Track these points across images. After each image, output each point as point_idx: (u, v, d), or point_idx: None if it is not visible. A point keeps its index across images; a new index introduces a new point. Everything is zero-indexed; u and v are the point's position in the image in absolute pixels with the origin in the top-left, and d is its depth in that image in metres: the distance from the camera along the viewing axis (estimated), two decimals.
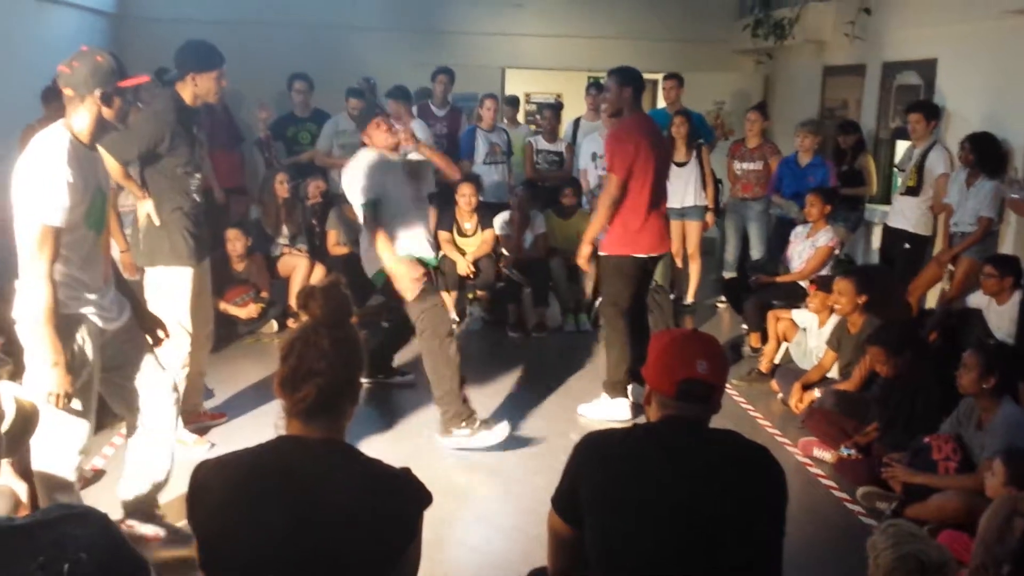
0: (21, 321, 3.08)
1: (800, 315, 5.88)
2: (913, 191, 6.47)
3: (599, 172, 7.59)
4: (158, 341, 3.55)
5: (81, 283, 3.14)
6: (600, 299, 5.82)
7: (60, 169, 2.94)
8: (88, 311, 3.17)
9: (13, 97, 6.79)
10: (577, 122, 8.29)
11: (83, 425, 3.21)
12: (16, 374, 3.70)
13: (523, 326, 6.96)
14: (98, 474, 4.20)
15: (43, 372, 3.01)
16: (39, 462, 3.18)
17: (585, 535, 2.09)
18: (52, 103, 6.47)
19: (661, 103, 8.64)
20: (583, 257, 5.28)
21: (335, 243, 7.07)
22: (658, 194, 5.11)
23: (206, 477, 1.93)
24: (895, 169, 7.41)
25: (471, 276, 6.94)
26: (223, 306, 6.31)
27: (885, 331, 4.72)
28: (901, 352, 4.53)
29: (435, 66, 7.99)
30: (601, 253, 5.24)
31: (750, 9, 9.34)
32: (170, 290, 4.31)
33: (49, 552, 1.36)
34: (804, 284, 6.35)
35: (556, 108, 8.12)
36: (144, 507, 3.58)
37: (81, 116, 3.09)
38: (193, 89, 4.27)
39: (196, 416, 4.75)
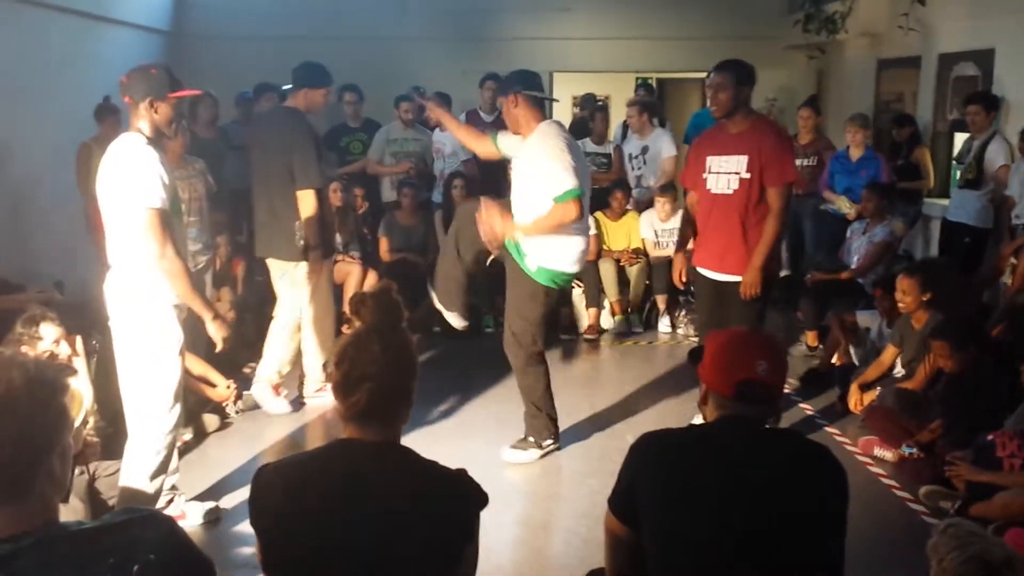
0: (126, 309, 3.47)
1: (863, 316, 5.78)
2: (973, 184, 6.33)
3: (635, 174, 7.61)
4: None
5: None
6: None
7: (150, 159, 3.32)
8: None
9: (72, 114, 7.00)
10: (626, 124, 8.26)
11: (177, 406, 3.60)
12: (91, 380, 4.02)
13: (574, 328, 6.95)
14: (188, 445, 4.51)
15: (208, 327, 3.61)
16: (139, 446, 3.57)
17: (642, 535, 2.09)
18: (106, 119, 6.66)
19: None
20: (755, 285, 4.52)
21: (387, 250, 7.16)
22: None
23: (267, 480, 1.97)
24: (954, 162, 7.25)
25: None
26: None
27: (949, 325, 4.62)
28: (965, 347, 4.43)
29: (483, 73, 8.03)
30: (741, 277, 4.56)
31: (800, 4, 9.21)
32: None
33: (119, 554, 1.41)
34: (861, 282, 6.26)
35: (604, 110, 8.11)
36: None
37: (142, 121, 3.44)
38: (304, 102, 5.08)
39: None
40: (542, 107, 4.50)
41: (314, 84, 5.02)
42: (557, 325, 6.95)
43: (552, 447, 4.65)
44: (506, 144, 4.55)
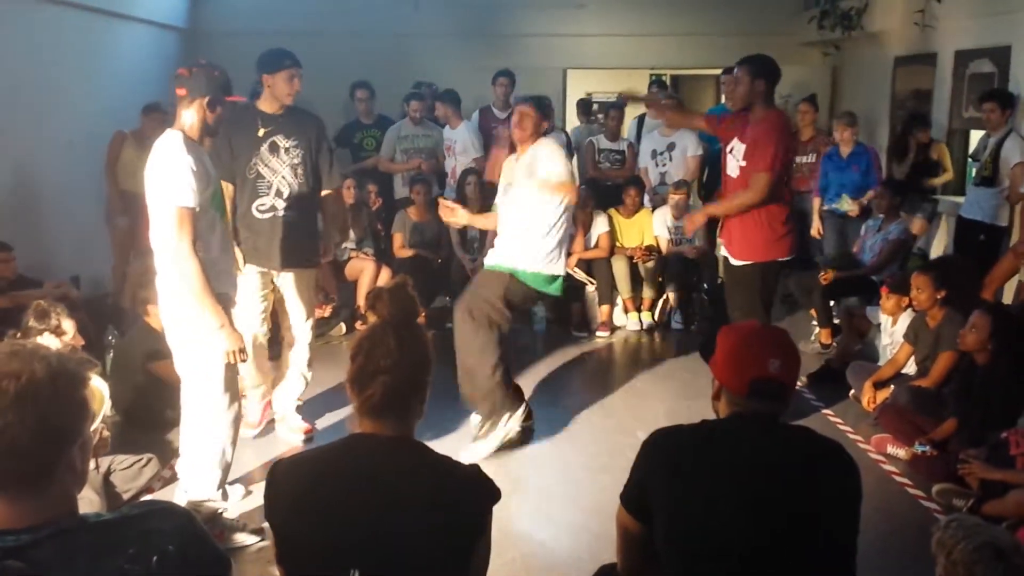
0: (170, 305, 3.48)
1: (874, 311, 5.76)
2: (988, 181, 6.30)
3: (659, 170, 7.58)
4: None
5: (221, 266, 3.55)
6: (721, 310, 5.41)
7: (182, 157, 3.34)
8: (228, 290, 3.59)
9: (91, 109, 7.06)
10: (641, 119, 8.26)
11: (235, 403, 3.62)
12: (102, 374, 3.98)
13: (587, 325, 6.96)
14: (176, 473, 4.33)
15: (214, 337, 3.43)
16: (195, 448, 3.59)
17: (654, 531, 2.10)
18: (151, 115, 6.84)
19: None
20: (694, 223, 5.27)
21: (400, 246, 7.19)
22: (790, 192, 4.93)
23: (282, 474, 1.99)
24: (969, 160, 7.21)
25: None
26: None
27: (995, 307, 4.59)
28: (999, 334, 4.33)
29: (497, 69, 8.03)
30: (738, 262, 4.86)
31: (816, 1, 9.18)
32: None
33: (138, 545, 1.42)
34: (876, 279, 6.24)
35: (620, 107, 8.10)
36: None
37: (189, 115, 3.47)
38: (269, 91, 4.52)
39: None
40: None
41: (271, 69, 4.49)
42: (569, 322, 6.95)
43: (517, 426, 4.57)
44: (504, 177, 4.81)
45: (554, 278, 4.63)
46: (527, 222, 4.54)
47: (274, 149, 4.50)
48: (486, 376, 4.50)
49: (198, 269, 3.34)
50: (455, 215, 4.94)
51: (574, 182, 4.66)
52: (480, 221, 5.18)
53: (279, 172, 4.51)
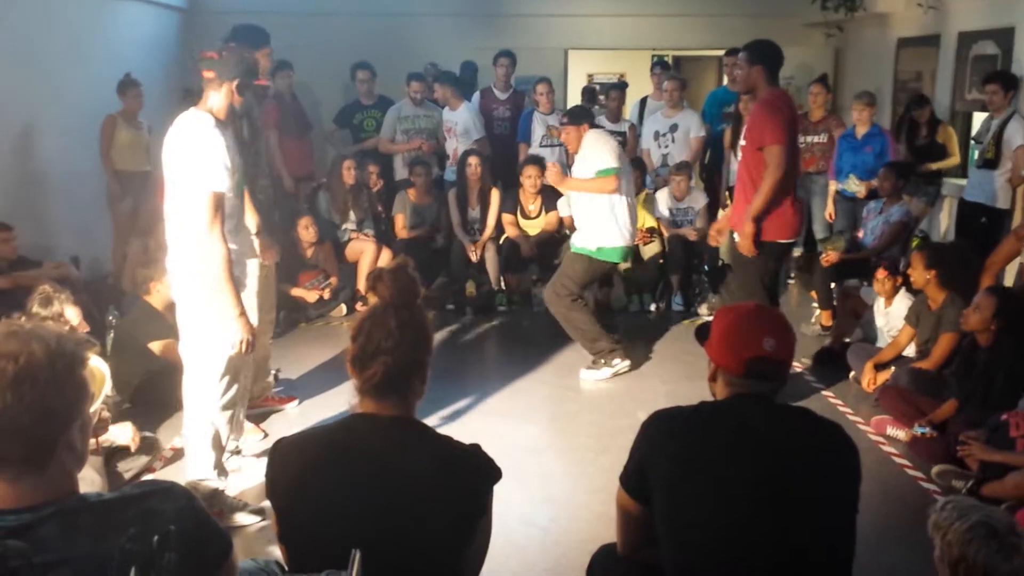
0: (184, 284, 3.47)
1: (869, 291, 5.76)
2: (991, 163, 6.28)
3: (662, 151, 7.55)
4: None
5: (236, 251, 3.53)
6: (725, 290, 5.50)
7: (216, 141, 3.30)
8: (240, 275, 3.59)
9: (91, 89, 7.03)
10: (644, 101, 8.22)
11: (234, 388, 3.62)
12: (103, 354, 3.98)
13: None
14: (177, 453, 4.34)
15: (228, 324, 3.44)
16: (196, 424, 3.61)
17: (653, 512, 2.10)
18: (128, 92, 6.79)
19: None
20: (748, 238, 4.62)
21: (401, 227, 7.17)
22: (796, 173, 4.88)
23: (284, 454, 2.00)
24: (972, 142, 7.18)
25: (535, 258, 6.97)
26: (295, 291, 6.54)
27: (1003, 289, 4.59)
28: (1003, 316, 4.33)
29: (498, 50, 7.99)
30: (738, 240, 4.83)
31: None
32: None
33: (139, 525, 1.42)
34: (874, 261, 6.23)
35: (621, 88, 8.06)
36: None
37: (217, 98, 3.42)
38: None
39: (264, 400, 4.87)
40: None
41: (254, 46, 4.20)
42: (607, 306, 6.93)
43: (623, 367, 5.51)
44: None
45: (626, 250, 5.53)
46: (588, 206, 5.44)
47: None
48: (587, 334, 5.51)
49: (226, 256, 3.35)
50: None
51: (613, 174, 5.30)
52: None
53: (260, 155, 4.47)
